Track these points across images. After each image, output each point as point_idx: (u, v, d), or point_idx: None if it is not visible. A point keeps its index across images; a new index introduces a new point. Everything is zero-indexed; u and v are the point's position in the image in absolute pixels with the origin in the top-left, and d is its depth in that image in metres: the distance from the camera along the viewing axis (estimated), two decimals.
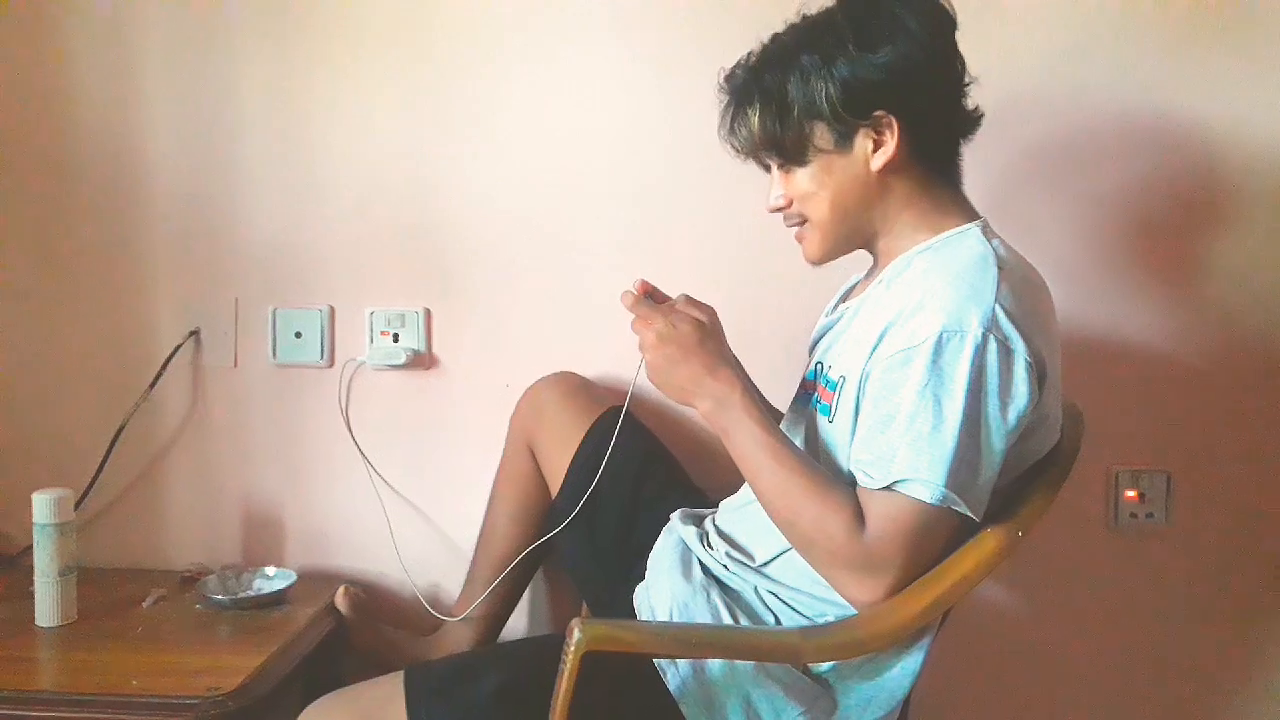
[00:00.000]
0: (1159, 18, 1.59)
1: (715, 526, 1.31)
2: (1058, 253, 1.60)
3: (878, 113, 1.14)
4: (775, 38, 1.22)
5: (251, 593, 1.60)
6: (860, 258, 1.27)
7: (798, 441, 1.22)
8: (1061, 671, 1.69)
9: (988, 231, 1.17)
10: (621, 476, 1.43)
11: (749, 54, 1.23)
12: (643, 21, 1.64)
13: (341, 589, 1.59)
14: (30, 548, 1.48)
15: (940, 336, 1.05)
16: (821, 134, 1.16)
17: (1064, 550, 1.64)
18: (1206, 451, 1.64)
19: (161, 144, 1.69)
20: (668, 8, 1.63)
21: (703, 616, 1.20)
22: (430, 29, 1.66)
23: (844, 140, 1.16)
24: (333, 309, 1.71)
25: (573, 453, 1.48)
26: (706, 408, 1.16)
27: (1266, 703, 1.68)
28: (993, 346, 1.05)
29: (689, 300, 1.22)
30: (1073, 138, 1.61)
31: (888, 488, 1.06)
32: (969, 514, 1.06)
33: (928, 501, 1.04)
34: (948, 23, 1.17)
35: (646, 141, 1.65)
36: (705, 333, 1.18)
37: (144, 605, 1.55)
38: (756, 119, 1.19)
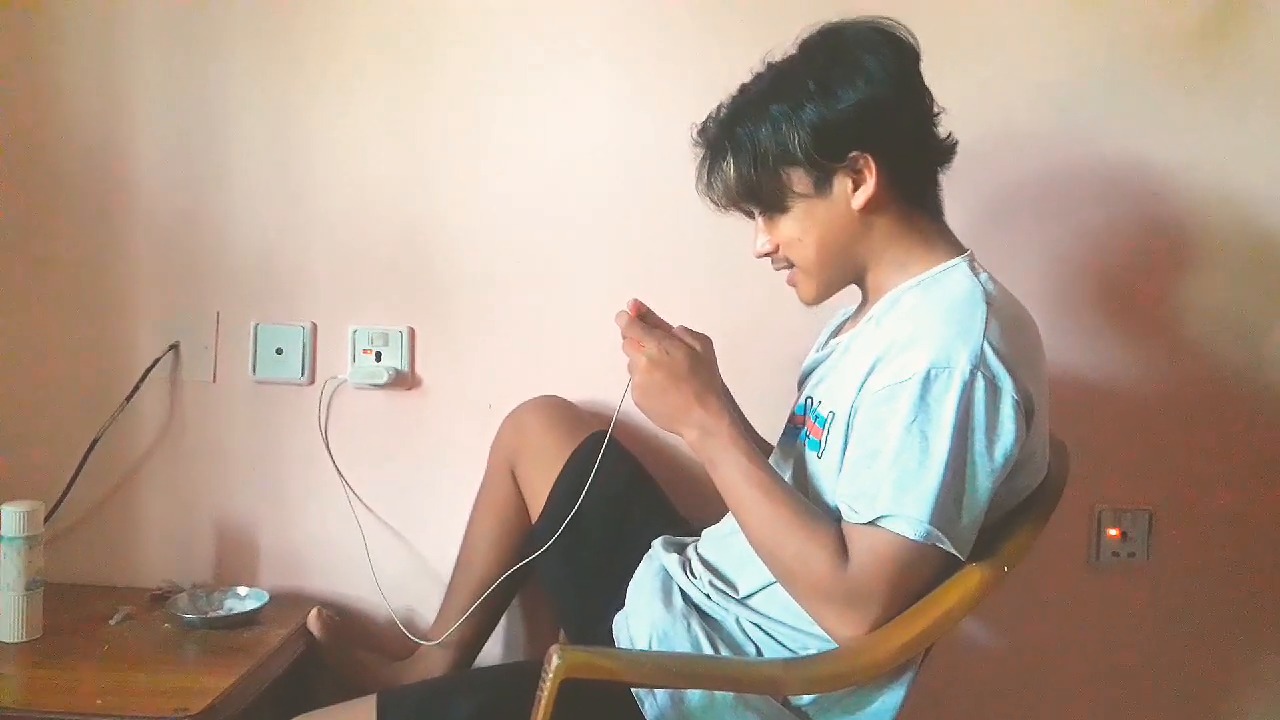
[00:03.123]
0: (1146, 58, 1.60)
1: (698, 555, 1.30)
2: (1041, 289, 1.61)
3: (853, 153, 1.14)
4: (744, 88, 1.23)
5: (223, 612, 1.57)
6: (852, 290, 1.27)
7: (786, 476, 1.21)
8: (1042, 706, 1.68)
9: (975, 265, 1.17)
10: (604, 502, 1.42)
11: (719, 106, 1.24)
12: (632, 43, 1.64)
13: (314, 611, 1.57)
14: None
15: (928, 373, 1.05)
16: (799, 179, 1.16)
17: (1045, 586, 1.63)
18: (1189, 491, 1.65)
19: (147, 155, 1.68)
20: (657, 29, 1.63)
21: (682, 645, 1.19)
22: (419, 47, 1.65)
23: (823, 183, 1.16)
24: (315, 326, 1.69)
25: (555, 477, 1.46)
26: (693, 437, 1.15)
27: None
28: (980, 384, 1.04)
29: (686, 329, 1.21)
30: (1056, 175, 1.62)
31: (872, 523, 1.05)
32: (954, 552, 1.05)
33: (911, 538, 1.04)
34: (909, 56, 1.18)
35: (634, 164, 1.65)
36: (697, 360, 1.17)
37: (111, 622, 1.53)
38: (732, 171, 1.19)
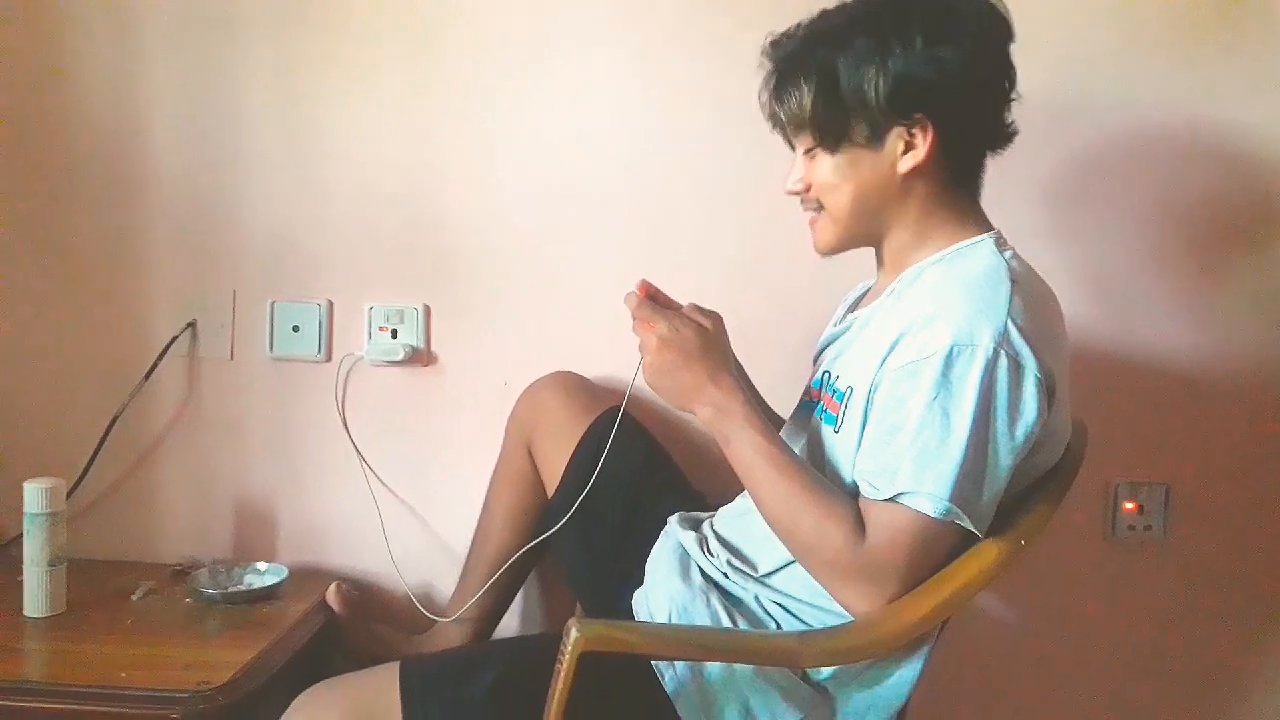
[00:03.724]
0: (1165, 27, 1.59)
1: (715, 533, 1.30)
2: (1062, 265, 1.60)
3: (917, 114, 1.12)
4: (826, 14, 1.18)
5: (242, 587, 1.59)
6: (866, 264, 1.26)
7: (798, 449, 1.21)
8: (1058, 680, 1.68)
9: (1001, 243, 1.16)
10: (620, 479, 1.42)
11: (799, 24, 1.20)
12: (644, 22, 1.63)
13: (333, 585, 1.58)
14: (20, 537, 1.47)
15: (951, 350, 1.04)
16: (858, 126, 1.14)
17: (1062, 560, 1.63)
18: (1205, 464, 1.64)
19: (163, 134, 1.68)
20: (669, 8, 1.62)
21: (702, 619, 1.19)
22: (433, 27, 1.65)
23: (877, 137, 1.14)
24: (331, 303, 1.70)
25: (571, 453, 1.47)
26: (706, 415, 1.15)
27: (1265, 713, 1.68)
28: (1003, 362, 1.04)
29: (695, 307, 1.20)
30: (1083, 150, 1.60)
31: (891, 499, 1.05)
32: (973, 529, 1.05)
33: (931, 515, 1.04)
34: (1007, 33, 1.15)
35: (648, 142, 1.64)
36: (708, 339, 1.16)
37: (134, 598, 1.54)
38: (810, 96, 1.15)
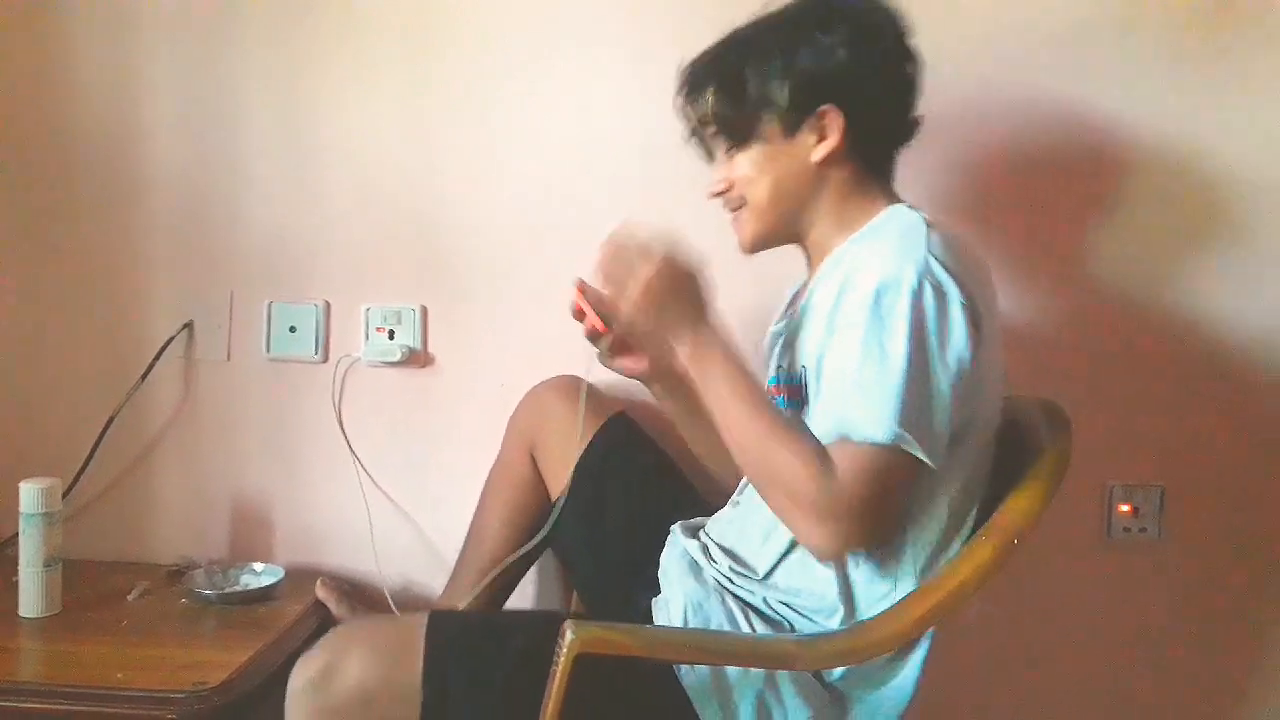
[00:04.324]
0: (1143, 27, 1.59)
1: (712, 540, 1.30)
2: (1055, 265, 1.61)
3: (824, 107, 1.18)
4: (737, 28, 1.27)
5: (238, 588, 1.59)
6: (796, 259, 1.29)
7: None
8: (1055, 682, 1.68)
9: (912, 207, 1.21)
10: (628, 491, 1.43)
11: (707, 47, 1.29)
12: (646, 26, 1.63)
13: (319, 581, 1.58)
14: (15, 537, 1.47)
15: (878, 289, 1.08)
16: (769, 123, 1.21)
17: (1057, 563, 1.63)
18: (1201, 466, 1.64)
19: (161, 134, 1.68)
20: (670, 11, 1.62)
21: (717, 617, 1.19)
22: (432, 28, 1.65)
23: (790, 130, 1.21)
24: (328, 304, 1.70)
25: (577, 458, 1.46)
26: (687, 351, 1.17)
27: (1262, 715, 1.68)
28: (928, 291, 1.07)
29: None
30: (1078, 144, 1.61)
31: (845, 437, 1.06)
32: (922, 457, 1.05)
33: (880, 440, 1.05)
34: (904, 28, 1.22)
35: (648, 142, 1.64)
36: (696, 281, 1.20)
37: (129, 598, 1.54)
38: (713, 99, 1.24)
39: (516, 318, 1.68)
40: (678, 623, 1.21)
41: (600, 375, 1.23)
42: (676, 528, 1.37)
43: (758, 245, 1.29)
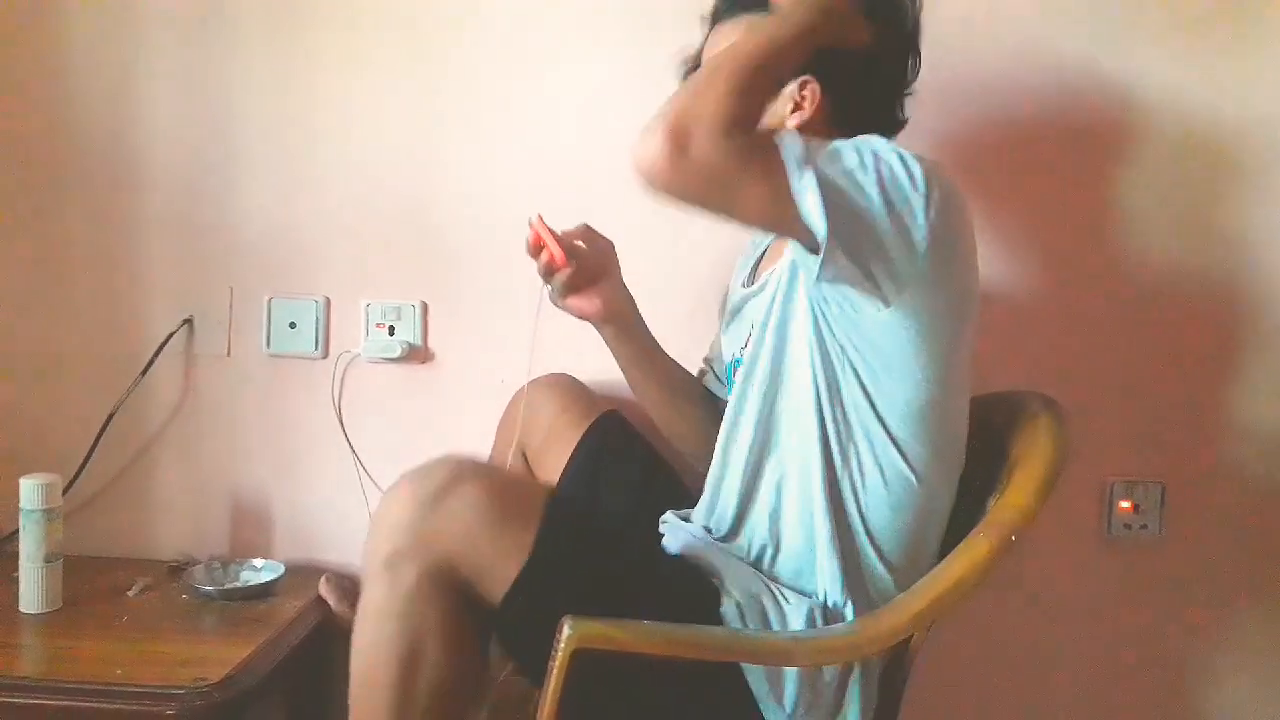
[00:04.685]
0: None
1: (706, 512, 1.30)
2: (1054, 262, 1.60)
3: (805, 77, 1.17)
4: None
5: (238, 584, 1.59)
6: None
7: (753, 416, 1.21)
8: (1055, 680, 1.68)
9: None
10: (622, 488, 1.43)
11: None
12: (647, 21, 1.63)
13: (323, 578, 1.58)
14: (16, 533, 1.47)
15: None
16: None
17: (1058, 560, 1.63)
18: (1201, 463, 1.64)
19: (160, 130, 1.68)
20: (673, 9, 1.62)
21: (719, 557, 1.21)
22: (432, 23, 1.65)
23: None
24: (328, 300, 1.70)
25: (568, 456, 1.46)
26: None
27: (1261, 712, 1.68)
28: (897, 155, 1.05)
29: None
30: (1089, 128, 1.60)
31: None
32: (792, 177, 1.02)
33: (781, 143, 1.04)
34: (914, 22, 1.22)
35: None
36: None
37: (129, 594, 1.54)
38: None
39: (517, 314, 1.66)
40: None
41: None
42: (670, 515, 1.37)
43: None
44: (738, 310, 1.36)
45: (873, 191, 1.04)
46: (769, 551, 1.21)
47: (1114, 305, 1.62)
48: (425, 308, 1.69)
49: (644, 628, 1.15)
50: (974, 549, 1.07)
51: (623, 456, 1.42)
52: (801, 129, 1.17)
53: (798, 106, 1.20)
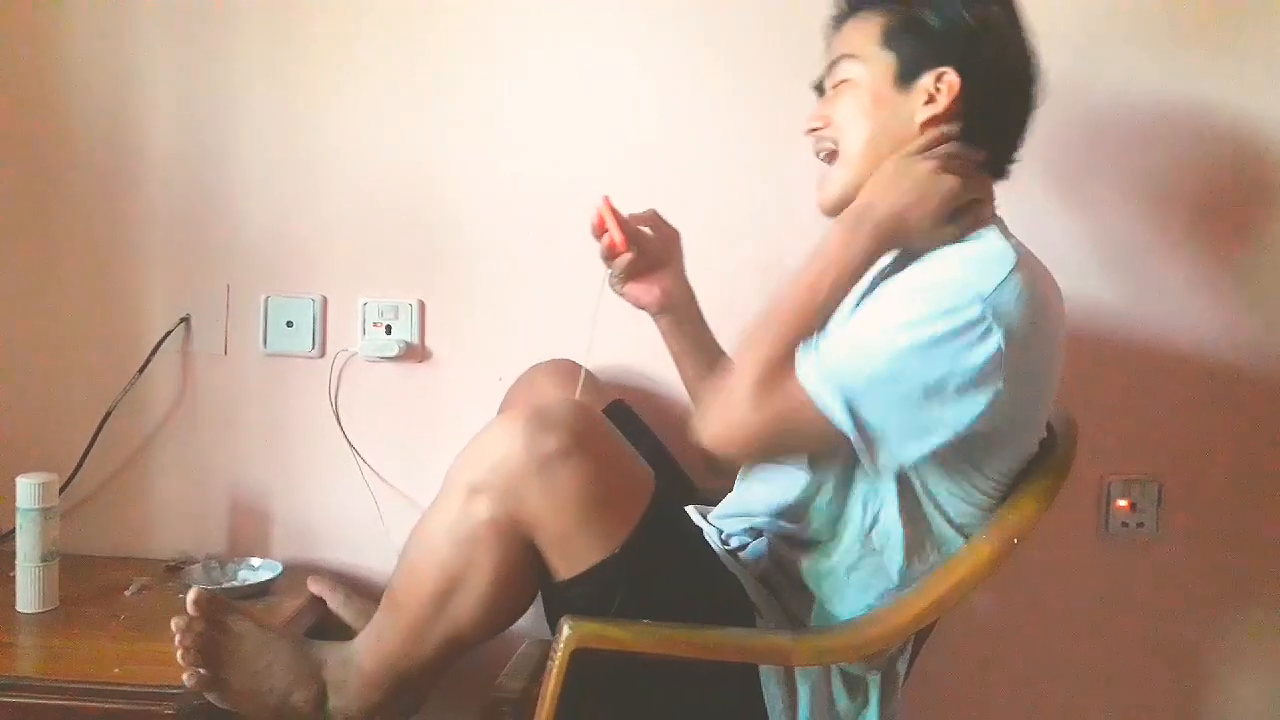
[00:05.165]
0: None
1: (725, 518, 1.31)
2: (1052, 255, 1.60)
3: (943, 68, 1.14)
4: None
5: (236, 583, 1.58)
6: None
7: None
8: (1051, 678, 1.69)
9: (1005, 233, 1.17)
10: None
11: None
12: (643, 18, 1.63)
13: (310, 579, 1.57)
14: (12, 532, 1.46)
15: (935, 282, 1.07)
16: (892, 60, 1.17)
17: (1055, 558, 1.63)
18: (1198, 461, 1.65)
19: (158, 128, 1.67)
20: (673, 10, 1.62)
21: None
22: (428, 21, 1.64)
23: (905, 79, 1.17)
24: (325, 299, 1.69)
25: None
26: (853, 220, 1.14)
27: (1259, 711, 1.69)
28: (976, 331, 1.03)
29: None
30: (1080, 134, 1.60)
31: (799, 360, 1.07)
32: (841, 427, 1.05)
33: (804, 385, 1.05)
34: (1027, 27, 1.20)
35: (644, 137, 1.64)
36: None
37: (127, 593, 1.54)
38: (866, 20, 1.20)
39: (514, 312, 1.68)
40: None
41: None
42: (691, 510, 1.37)
43: (840, 203, 1.20)
44: None
45: (936, 418, 1.06)
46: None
47: (1112, 303, 1.63)
48: (422, 306, 1.68)
49: (641, 626, 1.15)
50: (977, 551, 1.08)
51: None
52: (929, 123, 1.16)
53: (931, 99, 1.16)
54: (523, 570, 1.11)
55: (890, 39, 1.17)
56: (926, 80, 1.15)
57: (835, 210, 1.20)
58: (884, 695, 1.17)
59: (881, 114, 1.17)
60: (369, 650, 1.17)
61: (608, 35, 1.64)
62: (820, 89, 1.28)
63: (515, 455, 1.06)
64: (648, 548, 1.10)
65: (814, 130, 1.23)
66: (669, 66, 1.62)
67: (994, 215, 1.20)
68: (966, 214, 1.15)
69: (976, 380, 1.04)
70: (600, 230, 1.33)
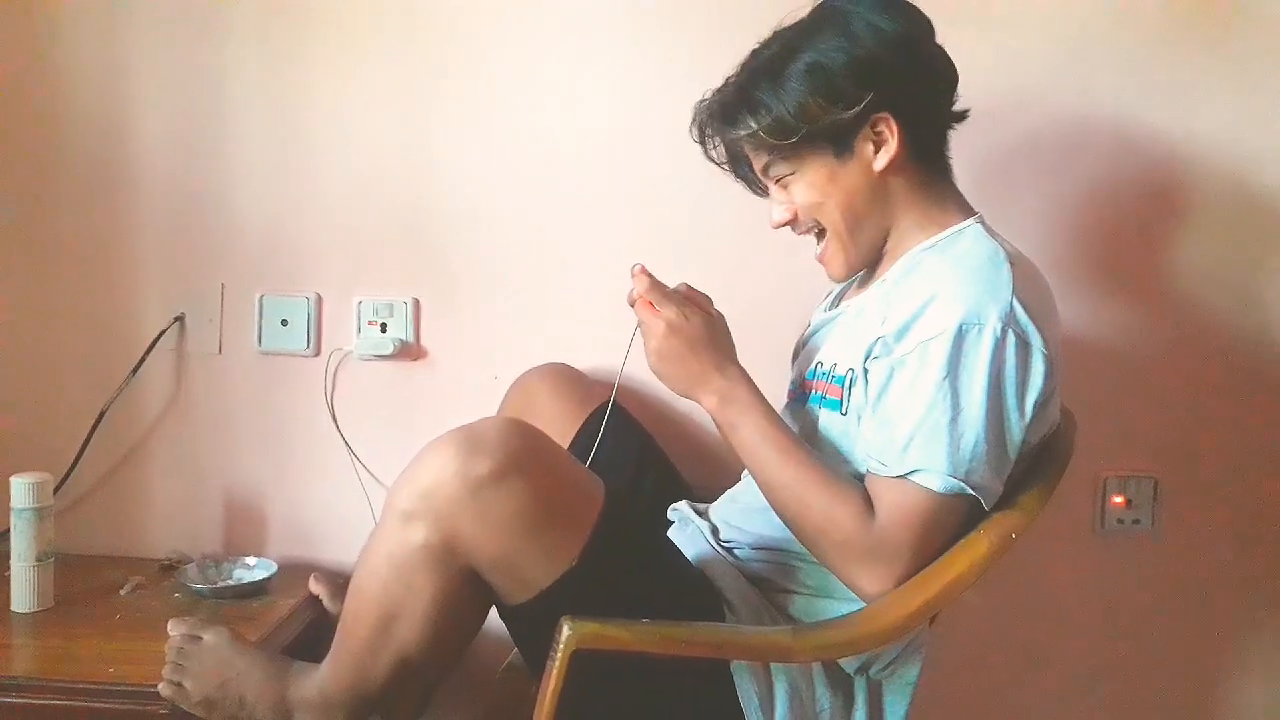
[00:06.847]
0: (1158, 21, 1.59)
1: (722, 522, 1.30)
2: (1046, 254, 1.59)
3: (878, 115, 1.15)
4: (755, 53, 1.23)
5: (231, 582, 1.58)
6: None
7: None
8: (1046, 674, 1.69)
9: (988, 227, 1.19)
10: (617, 476, 1.42)
11: (727, 78, 1.24)
12: (639, 17, 1.63)
13: (312, 576, 1.57)
14: (7, 532, 1.46)
15: (960, 328, 1.06)
16: (819, 141, 1.17)
17: (1050, 554, 1.63)
18: (1194, 458, 1.65)
19: (152, 126, 1.67)
20: (668, 7, 1.62)
21: (726, 572, 1.21)
22: (424, 20, 1.64)
23: (844, 147, 1.17)
24: (320, 297, 1.69)
25: (567, 446, 1.46)
26: (712, 403, 1.16)
27: (1255, 708, 1.69)
28: (1011, 340, 1.07)
29: (690, 289, 1.21)
30: (1065, 135, 1.60)
31: (901, 477, 1.07)
32: (982, 501, 1.08)
33: (938, 491, 1.05)
34: (923, 23, 1.20)
35: (640, 136, 1.64)
36: (714, 327, 1.18)
37: (122, 593, 1.54)
38: (754, 130, 1.18)
39: (509, 310, 1.67)
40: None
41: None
42: (683, 505, 1.37)
43: (850, 272, 1.25)
44: (810, 336, 1.35)
45: (1018, 438, 1.11)
46: None
47: (1109, 301, 1.63)
48: (418, 304, 1.68)
49: (641, 626, 1.15)
50: (974, 547, 1.08)
51: (620, 447, 1.41)
52: (889, 166, 1.16)
53: (879, 145, 1.16)
54: (465, 595, 1.09)
55: (806, 142, 1.17)
56: (865, 137, 1.16)
57: (847, 278, 1.28)
58: (892, 702, 1.20)
59: (843, 183, 1.18)
60: (329, 672, 1.16)
61: (606, 33, 1.63)
62: (755, 183, 1.30)
63: (446, 481, 1.04)
64: (606, 556, 1.09)
65: (785, 224, 1.24)
66: (671, 68, 1.62)
67: (965, 208, 1.23)
68: (923, 206, 1.20)
69: (1044, 392, 1.10)
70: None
